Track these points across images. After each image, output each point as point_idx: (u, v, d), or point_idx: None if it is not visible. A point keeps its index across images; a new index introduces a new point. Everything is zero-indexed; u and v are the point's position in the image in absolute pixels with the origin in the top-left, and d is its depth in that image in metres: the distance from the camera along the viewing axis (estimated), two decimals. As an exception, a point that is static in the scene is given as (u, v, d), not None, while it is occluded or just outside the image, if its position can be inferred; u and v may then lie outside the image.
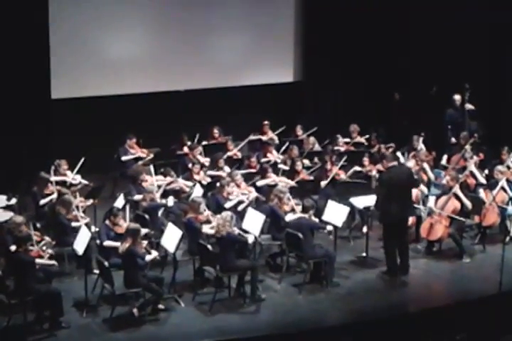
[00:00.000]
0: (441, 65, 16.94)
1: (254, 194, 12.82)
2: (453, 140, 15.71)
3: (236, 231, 10.78)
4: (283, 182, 13.20)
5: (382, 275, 11.50)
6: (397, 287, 11.30)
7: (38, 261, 9.93)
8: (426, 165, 13.62)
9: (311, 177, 13.71)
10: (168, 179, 13.08)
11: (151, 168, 13.39)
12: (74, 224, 11.38)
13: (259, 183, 13.36)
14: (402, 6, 17.40)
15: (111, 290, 10.05)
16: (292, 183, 13.24)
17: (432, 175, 13.64)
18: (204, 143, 15.15)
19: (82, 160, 13.14)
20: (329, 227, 11.43)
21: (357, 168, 13.90)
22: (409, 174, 11.75)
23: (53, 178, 12.65)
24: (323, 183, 13.37)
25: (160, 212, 12.14)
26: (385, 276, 11.48)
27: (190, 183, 13.22)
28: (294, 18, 17.78)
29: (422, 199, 12.90)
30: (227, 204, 12.32)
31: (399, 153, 14.52)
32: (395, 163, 11.57)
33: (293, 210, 11.53)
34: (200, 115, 15.94)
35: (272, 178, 13.45)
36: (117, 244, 10.38)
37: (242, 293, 10.64)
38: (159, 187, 12.62)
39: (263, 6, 17.27)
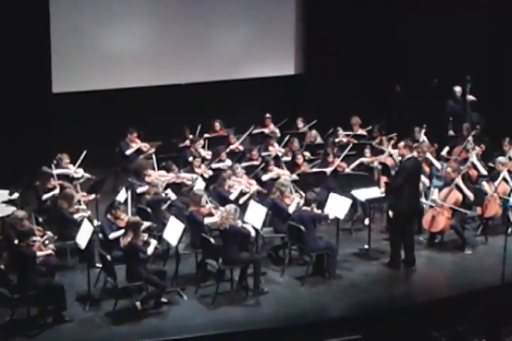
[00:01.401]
0: (442, 57, 16.93)
1: (255, 186, 12.84)
2: (451, 132, 15.71)
3: (239, 224, 10.79)
4: (286, 176, 13.20)
5: (384, 267, 11.50)
6: (400, 279, 11.32)
7: (38, 253, 9.95)
8: (429, 156, 13.60)
9: (313, 170, 13.71)
10: (171, 175, 13.06)
11: (154, 162, 13.39)
12: (76, 215, 11.40)
13: (264, 178, 13.36)
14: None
15: (113, 283, 10.08)
16: (294, 176, 13.24)
17: (438, 165, 13.62)
18: (206, 136, 15.15)
19: (84, 153, 13.15)
20: (331, 216, 11.43)
21: (363, 159, 13.90)
22: (421, 167, 11.96)
23: (55, 172, 12.65)
24: (328, 170, 13.38)
25: (164, 206, 12.13)
26: (387, 268, 11.47)
27: (194, 175, 13.21)
28: (294, 11, 17.74)
29: (424, 191, 12.89)
30: (232, 196, 12.35)
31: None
32: (411, 154, 11.57)
33: (294, 200, 11.59)
34: (202, 108, 15.94)
35: (275, 171, 13.45)
36: (122, 232, 10.40)
37: (245, 285, 10.66)
38: (163, 182, 12.62)
39: (264, -1, 17.29)
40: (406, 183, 11.28)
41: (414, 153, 12.26)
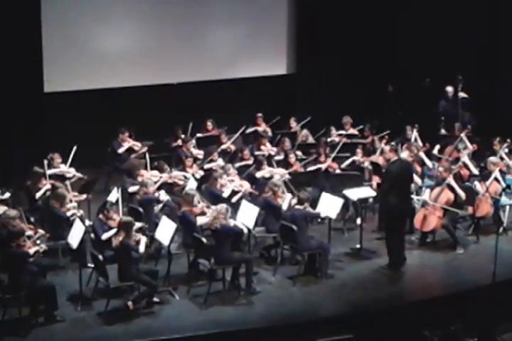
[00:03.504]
0: (434, 57, 16.97)
1: (246, 186, 12.83)
2: (443, 131, 15.75)
3: (232, 223, 10.77)
4: (278, 174, 13.19)
5: (377, 267, 11.50)
6: (392, 278, 11.31)
7: (29, 251, 9.92)
8: (422, 154, 13.61)
9: (305, 169, 13.72)
10: (165, 175, 13.04)
11: (147, 162, 13.35)
12: (68, 213, 11.38)
13: (258, 174, 13.34)
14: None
15: (105, 283, 10.06)
16: (287, 176, 13.23)
17: (430, 164, 13.64)
18: (198, 135, 15.16)
19: (75, 149, 13.12)
20: (323, 214, 11.45)
21: (355, 158, 13.91)
22: (411, 168, 11.91)
23: (47, 172, 12.63)
24: (322, 166, 13.39)
25: (158, 207, 12.09)
26: (385, 270, 11.44)
27: (186, 174, 13.20)
28: (286, 11, 17.76)
29: (415, 190, 12.91)
30: (225, 194, 12.34)
31: (393, 143, 14.55)
32: (397, 156, 11.55)
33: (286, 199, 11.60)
34: (194, 108, 15.93)
35: (268, 169, 13.44)
36: (115, 231, 10.38)
37: (237, 285, 10.66)
38: (155, 183, 12.60)
39: (256, -1, 17.30)
40: (393, 186, 11.27)
41: (404, 154, 12.29)
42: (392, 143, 14.54)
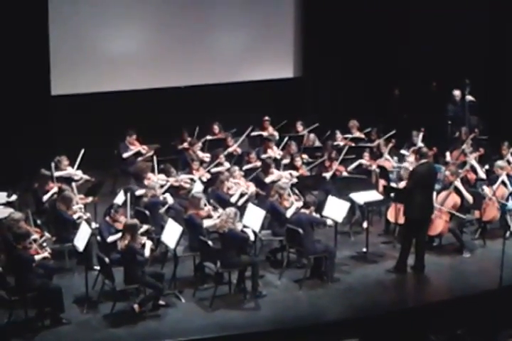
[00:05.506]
0: (442, 60, 16.97)
1: (252, 188, 12.83)
2: (456, 134, 15.72)
3: (239, 227, 10.77)
4: (288, 177, 13.17)
5: (383, 271, 11.47)
6: (398, 282, 11.30)
7: (36, 257, 9.95)
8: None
9: (311, 173, 13.71)
10: (172, 179, 13.03)
11: (155, 165, 13.35)
12: (75, 216, 11.39)
13: (268, 180, 13.31)
14: (403, 1, 17.42)
15: (111, 286, 10.07)
16: (294, 179, 13.20)
17: None
18: (205, 138, 15.16)
19: (82, 152, 13.14)
20: (329, 222, 11.44)
21: (362, 161, 13.88)
22: (436, 172, 11.86)
23: (54, 174, 12.65)
24: (327, 175, 13.36)
25: (163, 210, 12.09)
26: (392, 273, 11.41)
27: (192, 176, 13.20)
28: (293, 14, 17.79)
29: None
30: (233, 199, 12.34)
31: (403, 151, 14.52)
32: (427, 160, 11.49)
33: (293, 204, 11.56)
34: (200, 111, 15.96)
35: (276, 173, 13.42)
36: (120, 235, 10.40)
37: (243, 288, 10.65)
38: (162, 186, 12.60)
39: (263, 2, 17.27)
40: (417, 189, 11.22)
41: (411, 159, 12.24)
42: (402, 150, 14.55)
